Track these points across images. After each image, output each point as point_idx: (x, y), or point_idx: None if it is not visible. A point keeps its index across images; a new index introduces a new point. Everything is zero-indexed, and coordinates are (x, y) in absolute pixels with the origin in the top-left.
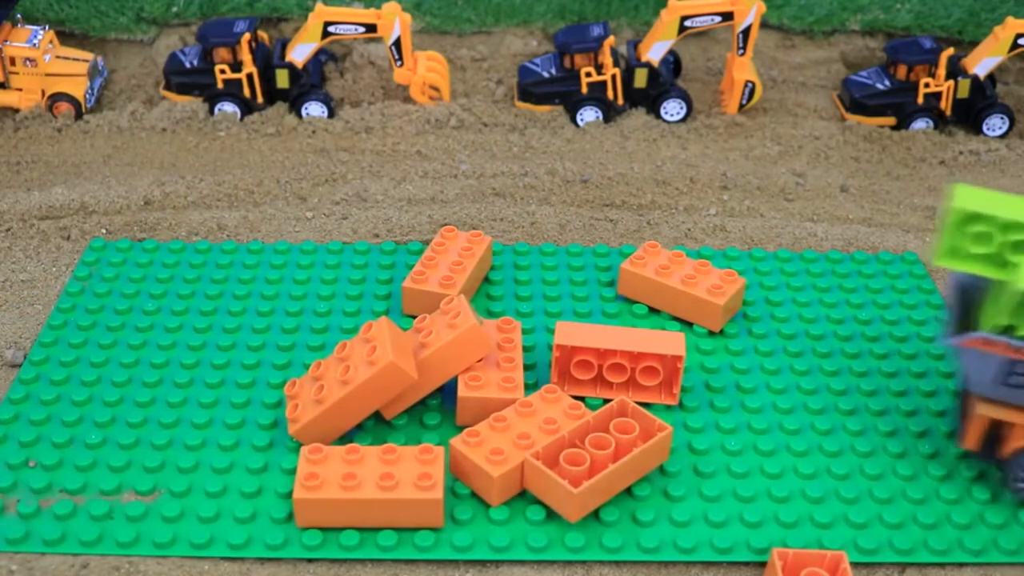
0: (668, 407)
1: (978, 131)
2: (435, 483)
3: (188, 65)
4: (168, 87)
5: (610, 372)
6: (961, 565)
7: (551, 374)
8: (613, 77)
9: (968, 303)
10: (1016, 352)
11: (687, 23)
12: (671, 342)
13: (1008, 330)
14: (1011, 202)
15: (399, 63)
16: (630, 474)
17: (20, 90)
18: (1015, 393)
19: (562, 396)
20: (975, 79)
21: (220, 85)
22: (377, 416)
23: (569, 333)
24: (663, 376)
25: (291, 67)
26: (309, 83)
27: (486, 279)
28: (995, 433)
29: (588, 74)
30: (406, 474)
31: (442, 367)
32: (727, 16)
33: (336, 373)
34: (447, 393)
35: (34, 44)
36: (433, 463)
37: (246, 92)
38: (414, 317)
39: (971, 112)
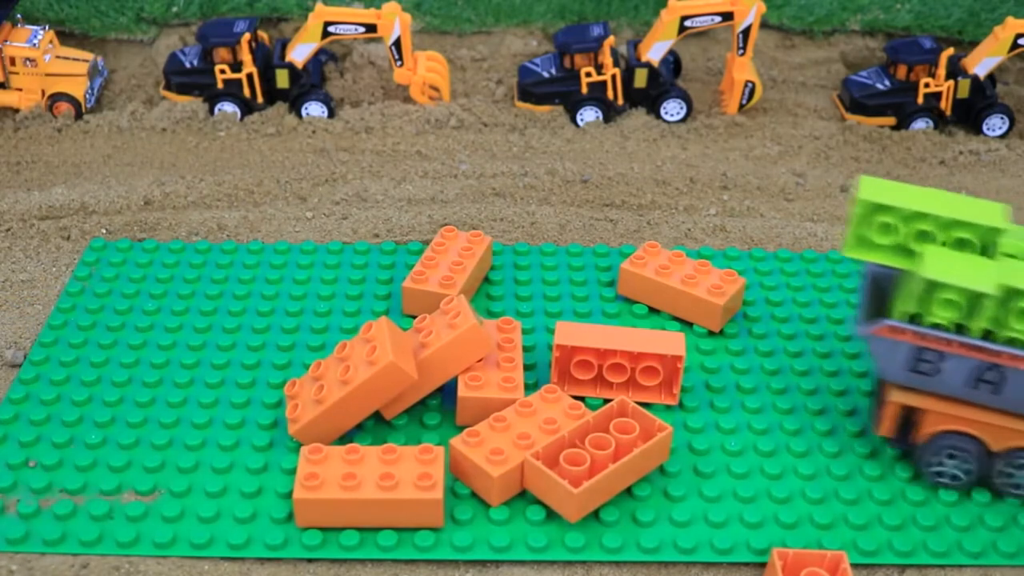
0: (668, 407)
1: (978, 131)
2: (435, 483)
3: (188, 65)
4: (168, 87)
5: (610, 372)
6: (960, 567)
7: (551, 374)
8: (613, 77)
9: (881, 293)
10: (922, 339)
11: (687, 23)
12: (671, 342)
13: (915, 318)
14: (915, 193)
15: (399, 63)
16: (630, 474)
17: (20, 90)
18: (924, 379)
19: (562, 396)
20: (975, 79)
21: (220, 85)
22: (377, 416)
23: (569, 333)
24: (663, 376)
25: (291, 67)
26: (309, 83)
27: (486, 279)
28: (908, 419)
29: (588, 74)
30: (406, 474)
31: (442, 367)
32: (727, 16)
33: (336, 373)
34: (447, 393)
35: (34, 44)
36: (433, 463)
37: (246, 92)
38: (414, 317)
39: (971, 112)
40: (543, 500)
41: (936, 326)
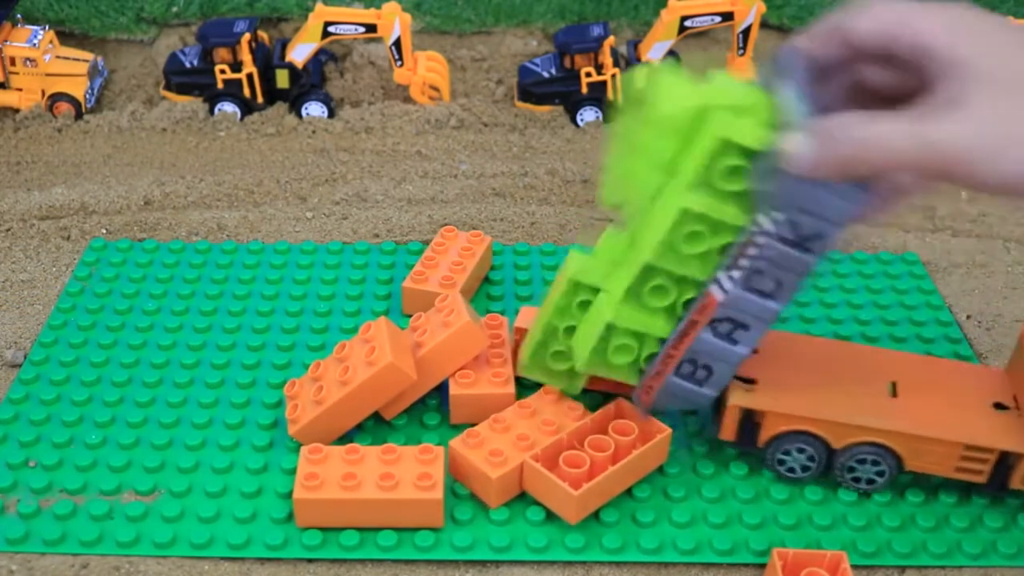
0: None
1: None
2: (435, 483)
3: (188, 65)
4: (168, 87)
5: None
6: (960, 568)
7: (512, 356)
8: (613, 77)
9: None
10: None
11: (687, 23)
12: None
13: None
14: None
15: (399, 63)
16: (629, 476)
17: (20, 90)
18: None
19: (562, 396)
20: None
21: (220, 85)
22: (377, 416)
23: (529, 317)
24: None
25: (291, 67)
26: (309, 83)
27: (486, 279)
28: (751, 423)
29: (588, 74)
30: (406, 474)
31: (439, 365)
32: (727, 16)
33: (335, 374)
34: (447, 393)
35: (34, 44)
36: (433, 463)
37: (246, 92)
38: None
39: None
40: (543, 502)
41: None
